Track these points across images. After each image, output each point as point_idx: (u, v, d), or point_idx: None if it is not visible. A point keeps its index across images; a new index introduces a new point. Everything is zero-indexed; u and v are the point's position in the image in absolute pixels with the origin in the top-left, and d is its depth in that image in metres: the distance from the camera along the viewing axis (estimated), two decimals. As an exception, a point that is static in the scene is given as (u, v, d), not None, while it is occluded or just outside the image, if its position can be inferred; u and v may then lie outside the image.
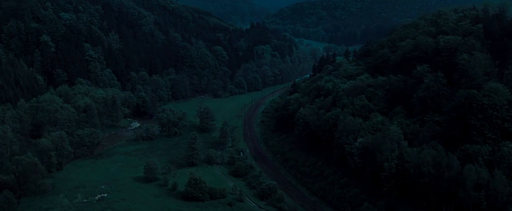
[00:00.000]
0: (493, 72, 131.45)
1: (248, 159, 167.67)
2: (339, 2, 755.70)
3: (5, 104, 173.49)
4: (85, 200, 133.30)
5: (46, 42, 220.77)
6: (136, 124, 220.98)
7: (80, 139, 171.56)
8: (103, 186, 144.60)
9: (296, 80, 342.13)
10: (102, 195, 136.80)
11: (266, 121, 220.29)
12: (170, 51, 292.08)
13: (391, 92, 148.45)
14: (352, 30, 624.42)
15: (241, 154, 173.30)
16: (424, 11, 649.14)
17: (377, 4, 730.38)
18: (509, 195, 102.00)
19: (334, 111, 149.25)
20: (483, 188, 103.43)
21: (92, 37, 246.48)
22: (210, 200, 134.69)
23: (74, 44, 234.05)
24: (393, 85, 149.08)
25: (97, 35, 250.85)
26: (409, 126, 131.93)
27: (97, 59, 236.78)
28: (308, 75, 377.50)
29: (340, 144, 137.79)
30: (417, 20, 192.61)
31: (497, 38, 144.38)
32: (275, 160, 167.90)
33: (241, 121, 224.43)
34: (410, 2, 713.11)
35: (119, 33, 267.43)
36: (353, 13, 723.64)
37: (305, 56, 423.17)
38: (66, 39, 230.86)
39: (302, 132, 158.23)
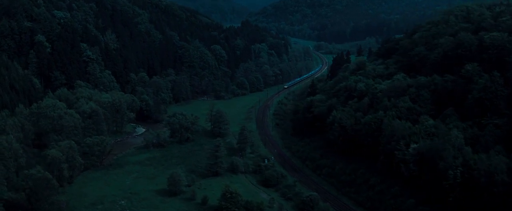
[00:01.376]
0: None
1: (275, 167, 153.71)
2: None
3: (2, 111, 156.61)
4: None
5: (41, 42, 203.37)
6: (141, 130, 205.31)
7: (89, 148, 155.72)
8: (123, 202, 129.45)
9: (297, 79, 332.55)
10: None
11: (281, 124, 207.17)
12: (168, 50, 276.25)
13: (437, 93, 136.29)
14: (340, 28, 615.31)
15: (266, 161, 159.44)
16: (412, 8, 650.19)
17: (363, 1, 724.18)
18: None
19: (376, 114, 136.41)
20: None
21: (88, 37, 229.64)
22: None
23: (70, 44, 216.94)
24: (439, 85, 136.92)
25: (94, 34, 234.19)
26: (466, 130, 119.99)
27: (95, 60, 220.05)
28: (311, 72, 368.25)
29: (388, 150, 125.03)
30: (444, 16, 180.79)
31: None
32: (305, 168, 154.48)
33: (253, 124, 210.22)
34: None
35: (115, 32, 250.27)
36: (339, 11, 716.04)
37: (300, 55, 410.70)
38: (62, 39, 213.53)
39: (338, 137, 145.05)
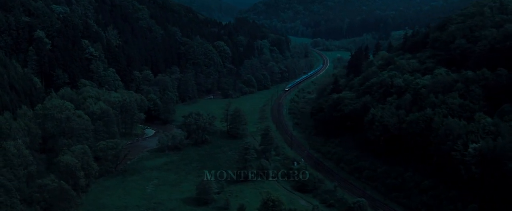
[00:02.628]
0: None
1: (307, 170, 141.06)
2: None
3: (4, 113, 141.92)
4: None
5: (41, 38, 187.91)
6: (150, 131, 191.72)
7: (102, 152, 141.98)
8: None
9: (302, 77, 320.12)
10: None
11: (300, 124, 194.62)
12: (171, 47, 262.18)
13: (489, 88, 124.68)
14: (336, 24, 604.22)
15: (295, 164, 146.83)
16: (406, 4, 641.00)
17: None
18: None
19: (423, 112, 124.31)
20: None
21: (89, 33, 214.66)
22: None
23: (71, 40, 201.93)
24: (490, 80, 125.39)
25: (95, 30, 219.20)
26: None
27: (99, 58, 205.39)
28: (315, 70, 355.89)
29: (443, 151, 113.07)
30: (478, 9, 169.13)
31: None
32: (340, 170, 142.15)
33: (271, 124, 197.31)
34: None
35: (117, 28, 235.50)
36: (332, 7, 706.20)
37: (301, 51, 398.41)
38: (62, 35, 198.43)
39: (379, 137, 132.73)
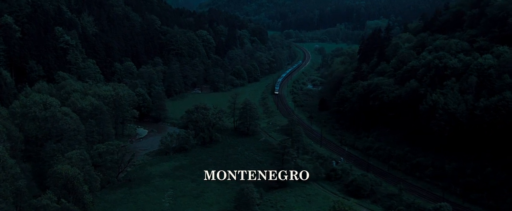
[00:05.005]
0: None
1: (353, 170, 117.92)
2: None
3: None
4: None
5: (9, 24, 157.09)
6: (143, 131, 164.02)
7: (100, 158, 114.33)
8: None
9: (288, 70, 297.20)
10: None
11: (317, 117, 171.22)
12: (152, 36, 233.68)
13: None
14: (305, 15, 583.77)
15: (334, 163, 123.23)
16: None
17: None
18: None
19: (502, 96, 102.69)
20: None
21: (62, 19, 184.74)
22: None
23: (43, 27, 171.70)
24: None
25: (69, 16, 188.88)
26: None
27: (75, 47, 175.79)
28: (300, 62, 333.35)
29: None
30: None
31: None
32: (390, 169, 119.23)
33: (282, 118, 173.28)
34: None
35: (92, 15, 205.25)
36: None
37: (281, 42, 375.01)
38: (33, 21, 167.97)
39: (444, 127, 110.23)
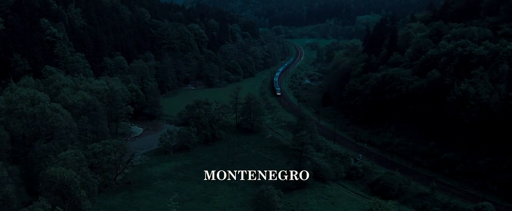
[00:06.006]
0: None
1: (375, 168, 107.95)
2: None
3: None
4: None
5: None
6: (138, 129, 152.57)
7: (97, 159, 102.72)
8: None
9: (282, 66, 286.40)
10: None
11: (323, 112, 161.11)
12: (143, 30, 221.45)
13: None
14: (293, 11, 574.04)
15: (352, 161, 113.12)
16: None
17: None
18: None
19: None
20: None
21: (48, 11, 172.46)
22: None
23: (28, 19, 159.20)
24: None
25: (55, 8, 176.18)
26: None
27: (63, 40, 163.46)
28: (293, 58, 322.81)
29: None
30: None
31: None
32: (416, 166, 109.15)
33: (286, 114, 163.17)
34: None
35: (79, 7, 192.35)
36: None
37: (271, 37, 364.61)
38: (18, 13, 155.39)
39: (476, 119, 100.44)
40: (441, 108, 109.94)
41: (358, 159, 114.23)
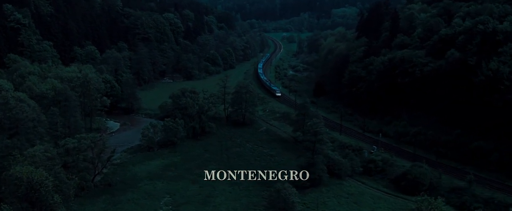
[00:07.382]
0: None
1: (396, 161, 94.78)
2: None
3: None
4: None
5: None
6: (115, 125, 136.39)
7: (72, 157, 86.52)
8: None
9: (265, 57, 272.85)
10: None
11: (319, 102, 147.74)
12: (115, 19, 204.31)
13: None
14: (265, 6, 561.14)
15: (366, 154, 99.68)
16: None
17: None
18: None
19: None
20: None
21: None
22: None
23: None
24: None
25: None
26: None
27: (28, 27, 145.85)
28: (271, 50, 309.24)
29: None
30: None
31: None
32: (439, 158, 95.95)
33: (280, 105, 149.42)
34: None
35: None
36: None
37: (247, 30, 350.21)
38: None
39: (504, 106, 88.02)
40: (464, 91, 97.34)
41: (372, 151, 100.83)
